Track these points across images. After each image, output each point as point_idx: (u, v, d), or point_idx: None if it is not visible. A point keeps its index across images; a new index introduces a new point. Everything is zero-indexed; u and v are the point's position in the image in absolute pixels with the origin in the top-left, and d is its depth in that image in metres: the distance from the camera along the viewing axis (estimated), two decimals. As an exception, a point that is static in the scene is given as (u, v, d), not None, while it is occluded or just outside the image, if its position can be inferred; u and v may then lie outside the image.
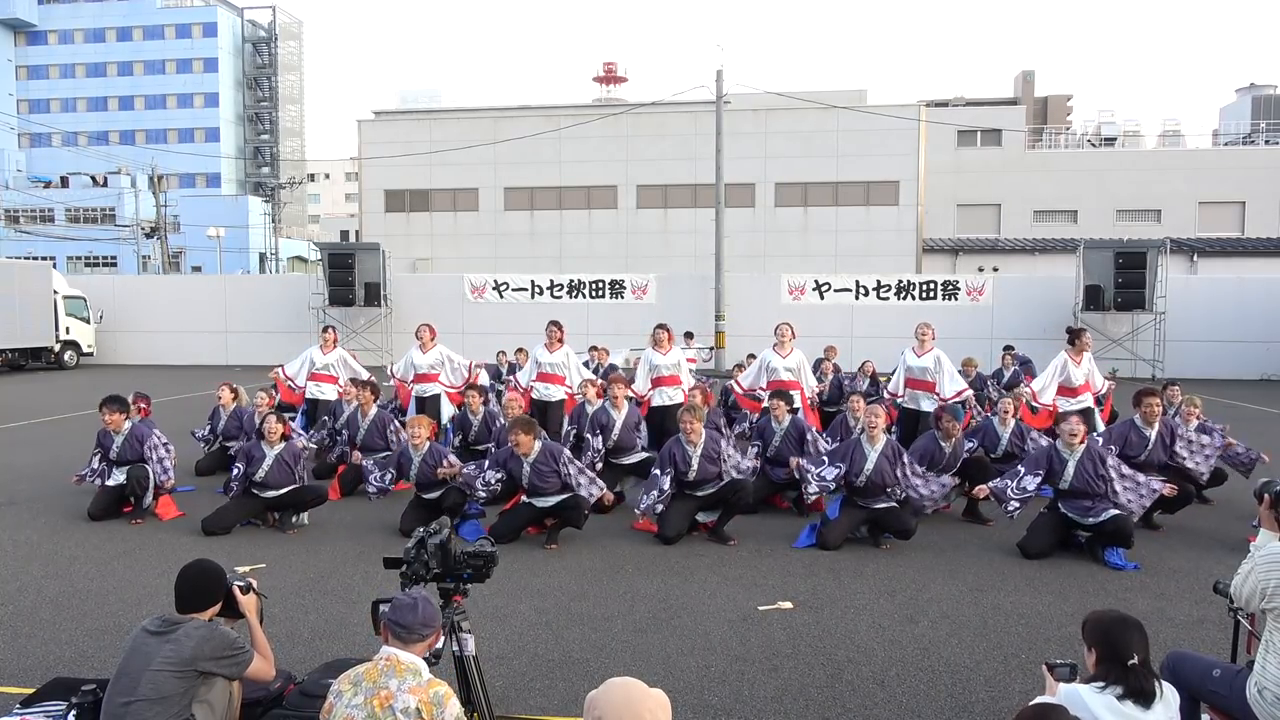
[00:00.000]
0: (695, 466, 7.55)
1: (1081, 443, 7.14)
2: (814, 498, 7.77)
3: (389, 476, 8.27)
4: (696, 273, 27.43)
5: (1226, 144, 44.48)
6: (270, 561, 6.91)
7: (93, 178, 63.61)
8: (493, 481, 7.65)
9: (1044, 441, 8.67)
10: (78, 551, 7.22)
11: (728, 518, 7.66)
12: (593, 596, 6.14)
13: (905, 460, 7.56)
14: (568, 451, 7.79)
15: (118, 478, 8.32)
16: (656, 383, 10.56)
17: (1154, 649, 3.27)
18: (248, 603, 3.80)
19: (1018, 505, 7.19)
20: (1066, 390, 9.92)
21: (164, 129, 75.77)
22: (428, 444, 8.00)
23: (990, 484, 7.33)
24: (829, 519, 7.48)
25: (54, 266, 27.21)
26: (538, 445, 7.51)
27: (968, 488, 8.41)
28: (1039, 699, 3.05)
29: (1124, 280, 22.49)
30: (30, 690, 4.18)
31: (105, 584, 6.39)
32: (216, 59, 75.69)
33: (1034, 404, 10.13)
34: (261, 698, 3.88)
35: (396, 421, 10.01)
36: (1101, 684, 3.06)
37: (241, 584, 3.82)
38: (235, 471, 8.08)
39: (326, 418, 10.60)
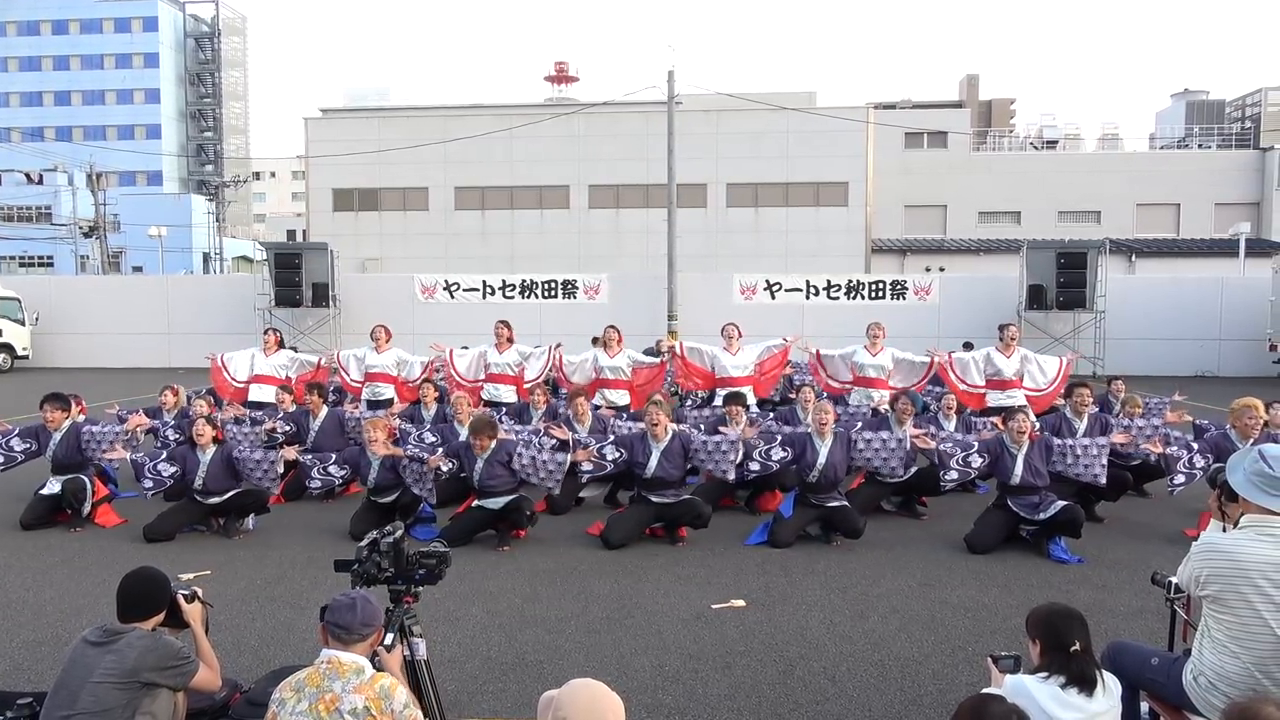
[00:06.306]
0: (654, 464, 7.46)
1: (1030, 440, 7.31)
2: (753, 475, 7.84)
3: (337, 471, 8.02)
4: (649, 272, 27.43)
5: (1162, 147, 45.77)
6: (215, 568, 6.77)
7: (27, 174, 61.36)
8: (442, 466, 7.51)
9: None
10: (12, 560, 6.99)
11: (677, 528, 7.59)
12: (546, 598, 6.12)
13: (860, 447, 7.68)
14: (521, 445, 7.69)
15: (53, 487, 8.05)
16: (600, 384, 10.54)
17: (1095, 639, 3.36)
18: (192, 611, 3.72)
19: (955, 477, 7.47)
20: (996, 383, 10.27)
21: (102, 125, 73.71)
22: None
23: (939, 444, 7.52)
24: (782, 516, 7.52)
25: (-14, 266, 26.38)
26: (493, 444, 7.47)
27: (920, 502, 8.55)
28: (984, 690, 3.12)
29: (1065, 280, 23.02)
30: (-37, 705, 4.04)
31: (42, 594, 6.20)
32: (157, 54, 73.89)
33: (953, 375, 10.40)
34: (207, 707, 3.81)
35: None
36: (1045, 674, 3.14)
37: (186, 592, 3.74)
38: (170, 470, 7.73)
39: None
